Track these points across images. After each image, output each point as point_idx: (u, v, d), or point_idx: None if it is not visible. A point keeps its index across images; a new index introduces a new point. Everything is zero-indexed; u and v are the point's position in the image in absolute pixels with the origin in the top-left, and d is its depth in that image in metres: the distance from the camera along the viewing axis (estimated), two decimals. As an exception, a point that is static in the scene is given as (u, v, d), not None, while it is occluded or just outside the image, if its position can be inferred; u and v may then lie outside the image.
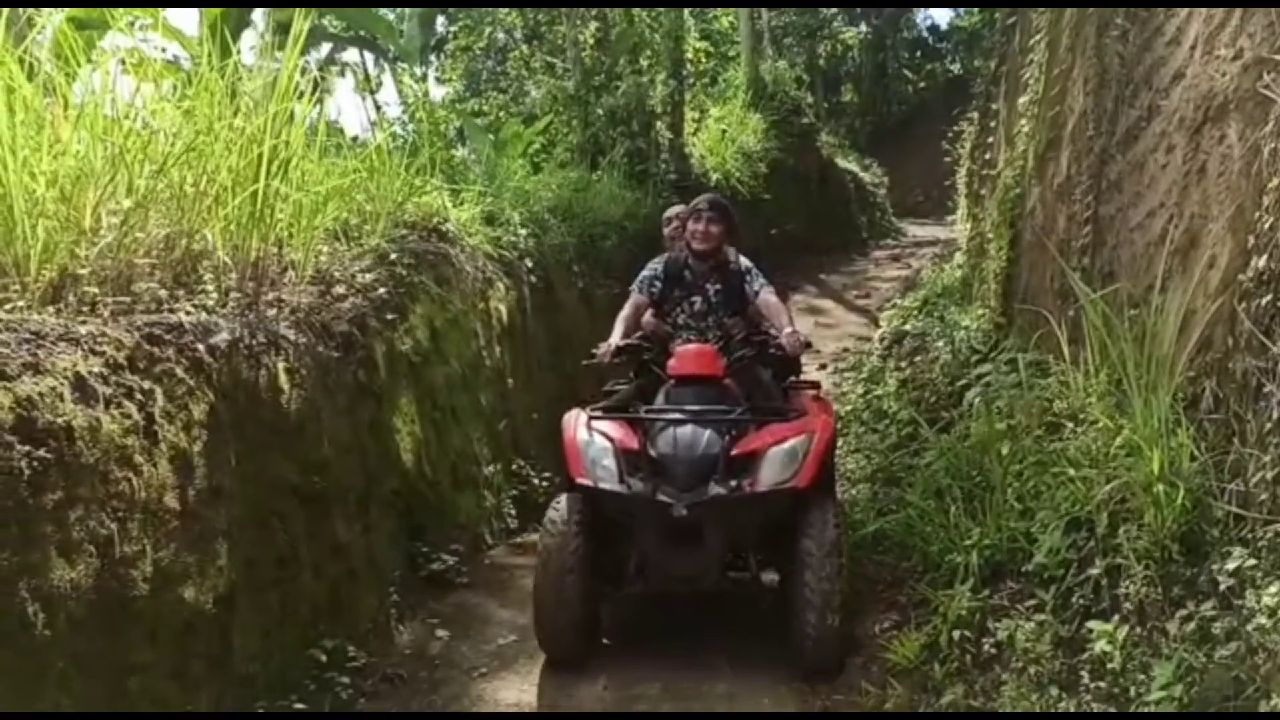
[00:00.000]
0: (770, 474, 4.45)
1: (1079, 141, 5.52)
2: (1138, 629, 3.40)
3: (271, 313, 4.53)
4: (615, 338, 5.05)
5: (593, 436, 4.64)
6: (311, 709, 4.02)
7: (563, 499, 4.67)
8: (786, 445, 4.51)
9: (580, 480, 4.58)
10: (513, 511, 6.57)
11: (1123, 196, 4.85)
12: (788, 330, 4.97)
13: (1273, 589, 2.96)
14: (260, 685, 3.89)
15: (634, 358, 5.16)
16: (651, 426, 4.62)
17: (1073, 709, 3.37)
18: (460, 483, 6.13)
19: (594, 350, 5.09)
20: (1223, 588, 3.16)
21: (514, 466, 6.86)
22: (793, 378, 5.63)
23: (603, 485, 4.50)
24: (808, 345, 5.14)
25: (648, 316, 5.40)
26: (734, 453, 4.48)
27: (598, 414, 4.82)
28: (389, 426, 5.39)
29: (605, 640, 4.88)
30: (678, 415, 4.61)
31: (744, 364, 5.02)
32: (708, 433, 4.50)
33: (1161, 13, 4.56)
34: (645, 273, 5.41)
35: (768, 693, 4.42)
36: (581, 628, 4.57)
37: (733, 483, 4.38)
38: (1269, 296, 3.27)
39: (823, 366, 9.97)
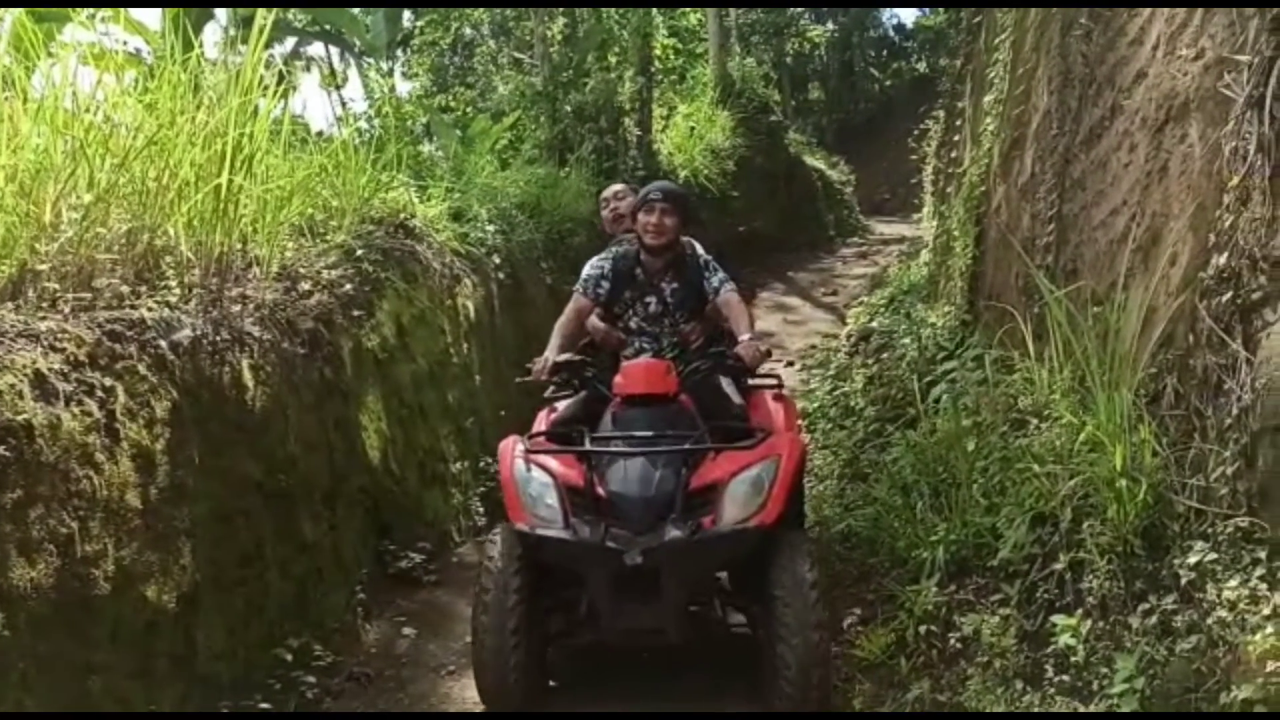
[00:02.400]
0: (732, 510, 3.89)
1: (1043, 140, 5.57)
2: (1101, 623, 3.44)
3: (236, 309, 4.48)
4: (552, 351, 4.46)
5: (532, 472, 4.04)
6: (277, 709, 3.99)
7: (502, 530, 4.14)
8: (750, 474, 3.94)
9: (519, 524, 3.99)
10: (481, 509, 6.55)
11: (1086, 195, 4.90)
12: (745, 337, 4.45)
13: (1233, 583, 3.01)
14: (225, 685, 3.86)
15: (575, 374, 4.56)
16: (599, 459, 4.03)
17: (1037, 702, 3.40)
18: (428, 480, 6.11)
19: (528, 365, 4.53)
20: (1184, 582, 3.21)
21: (482, 464, 6.84)
22: (750, 380, 4.97)
23: (544, 531, 3.91)
24: (767, 355, 4.59)
25: (595, 321, 4.86)
26: (692, 486, 3.95)
27: (537, 445, 4.25)
28: (356, 424, 5.36)
29: (553, 683, 4.39)
30: (626, 448, 4.04)
31: (701, 376, 4.49)
32: (662, 465, 3.95)
33: (1124, 13, 4.61)
34: (589, 271, 4.78)
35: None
36: (525, 677, 3.93)
37: (692, 523, 3.84)
38: (1229, 294, 3.32)
39: (790, 363, 10.00)
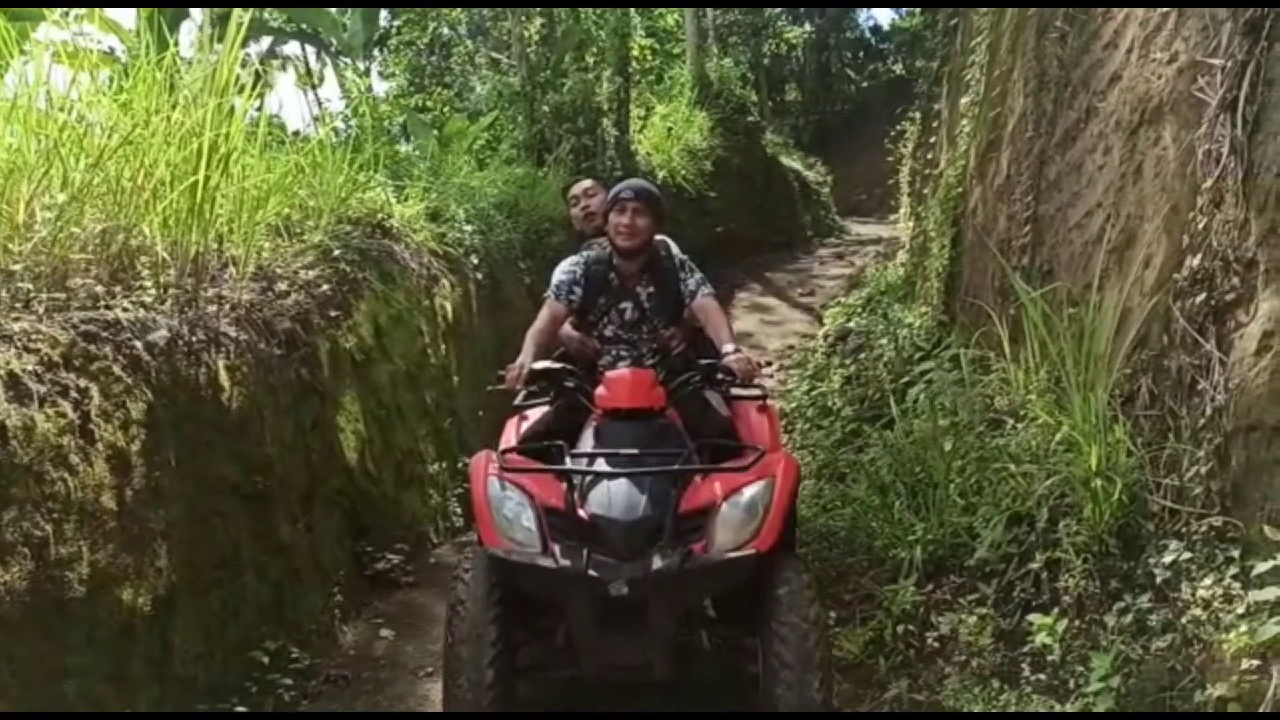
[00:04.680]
0: (726, 536, 3.56)
1: (1019, 142, 5.61)
2: (1077, 622, 3.48)
3: (212, 309, 4.45)
4: (526, 358, 4.12)
5: (507, 491, 3.70)
6: (253, 711, 3.97)
7: (474, 555, 3.79)
8: (744, 497, 3.62)
9: (493, 549, 3.63)
10: (458, 510, 6.52)
11: (1061, 196, 4.94)
12: (730, 348, 4.19)
13: (1207, 581, 3.05)
14: (201, 687, 3.83)
15: (553, 383, 4.22)
16: (580, 478, 3.70)
17: (1014, 701, 3.42)
18: (405, 481, 6.08)
19: (500, 373, 4.15)
20: (1159, 580, 3.25)
21: (460, 464, 6.81)
22: (733, 389, 4.49)
23: (520, 559, 3.55)
24: (760, 368, 4.32)
25: (568, 329, 4.58)
26: (681, 510, 3.63)
27: (513, 461, 3.88)
28: (333, 425, 5.33)
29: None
30: (610, 467, 3.70)
31: (690, 390, 4.18)
32: (649, 487, 3.61)
33: (1099, 16, 4.65)
34: (561, 276, 4.48)
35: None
36: (499, 707, 3.55)
37: (682, 550, 3.50)
38: (1202, 295, 3.36)
39: (768, 364, 10.02)
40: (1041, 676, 3.45)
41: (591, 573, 3.44)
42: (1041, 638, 3.47)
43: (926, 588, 4.25)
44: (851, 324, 9.52)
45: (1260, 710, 2.70)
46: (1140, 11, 4.19)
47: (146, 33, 4.82)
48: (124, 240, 4.20)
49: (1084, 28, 4.83)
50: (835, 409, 7.41)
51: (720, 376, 4.20)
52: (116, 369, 3.58)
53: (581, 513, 3.61)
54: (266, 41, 11.18)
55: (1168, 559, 3.21)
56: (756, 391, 4.44)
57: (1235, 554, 3.07)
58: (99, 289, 3.92)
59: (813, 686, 3.38)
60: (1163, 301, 3.65)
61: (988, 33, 6.78)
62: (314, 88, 12.32)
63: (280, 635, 4.36)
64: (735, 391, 4.41)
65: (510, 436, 4.34)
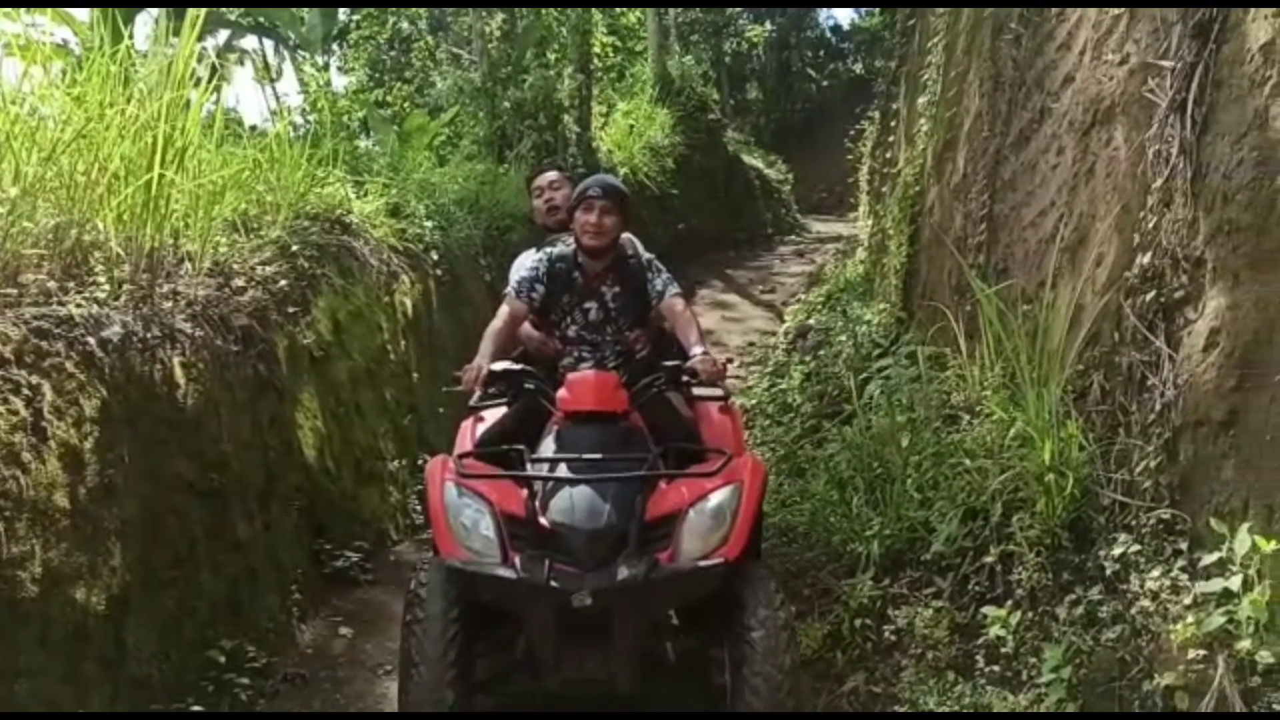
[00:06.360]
0: (692, 544, 3.46)
1: (975, 142, 5.68)
2: (1030, 614, 3.53)
3: (167, 305, 4.40)
4: (484, 358, 4.00)
5: (464, 498, 3.55)
6: (209, 711, 3.93)
7: (431, 565, 3.63)
8: (710, 504, 3.52)
9: (450, 559, 3.49)
10: (418, 507, 6.49)
11: (1016, 195, 5.00)
12: (698, 350, 4.08)
13: (1155, 573, 3.11)
14: (156, 687, 3.78)
15: (512, 385, 4.08)
16: (541, 485, 3.60)
17: (969, 693, 3.47)
18: (364, 478, 6.05)
19: (456, 374, 4.02)
20: (1109, 572, 3.31)
21: (420, 461, 6.78)
22: (695, 390, 4.40)
23: (479, 569, 3.41)
24: (725, 368, 4.18)
25: (529, 329, 4.45)
26: (646, 517, 3.51)
27: (470, 467, 3.72)
28: (291, 422, 5.29)
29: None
30: (572, 473, 3.59)
31: (655, 393, 4.05)
32: (613, 493, 3.50)
33: (1053, 18, 4.72)
34: (522, 273, 4.38)
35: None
36: None
37: (647, 559, 3.39)
38: (1152, 293, 3.42)
39: (729, 360, 10.05)
40: (996, 668, 3.51)
41: (553, 583, 3.31)
42: (995, 630, 3.52)
43: (884, 582, 4.29)
44: (811, 321, 9.58)
45: (1205, 698, 2.76)
46: (1093, 14, 4.25)
47: (100, 25, 4.75)
48: (77, 235, 4.14)
49: (1038, 29, 4.90)
50: (795, 405, 7.47)
51: (685, 379, 4.09)
52: (69, 366, 3.53)
53: (543, 520, 3.48)
54: (224, 35, 11.04)
55: (1117, 551, 3.27)
56: (718, 392, 4.34)
57: (1183, 546, 3.13)
58: (51, 285, 3.87)
59: (783, 698, 3.30)
60: (1114, 299, 3.71)
61: (944, 33, 6.85)
62: (272, 82, 12.16)
63: (237, 634, 4.32)
64: (697, 392, 4.31)
65: (466, 440, 4.20)
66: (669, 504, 3.56)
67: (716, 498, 3.54)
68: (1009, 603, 3.63)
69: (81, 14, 7.19)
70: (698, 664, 3.63)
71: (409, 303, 7.17)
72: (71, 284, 4.01)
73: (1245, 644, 2.72)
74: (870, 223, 10.65)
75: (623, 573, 3.33)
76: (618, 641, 3.37)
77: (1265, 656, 2.68)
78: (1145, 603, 3.08)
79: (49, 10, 5.53)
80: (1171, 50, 3.48)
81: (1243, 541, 2.78)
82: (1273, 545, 2.71)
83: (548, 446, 3.81)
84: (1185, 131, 3.31)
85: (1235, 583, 2.79)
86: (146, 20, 8.40)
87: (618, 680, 3.41)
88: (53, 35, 6.37)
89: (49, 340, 3.49)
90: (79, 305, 3.82)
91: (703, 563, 3.43)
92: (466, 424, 4.36)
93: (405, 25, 18.73)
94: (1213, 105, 3.23)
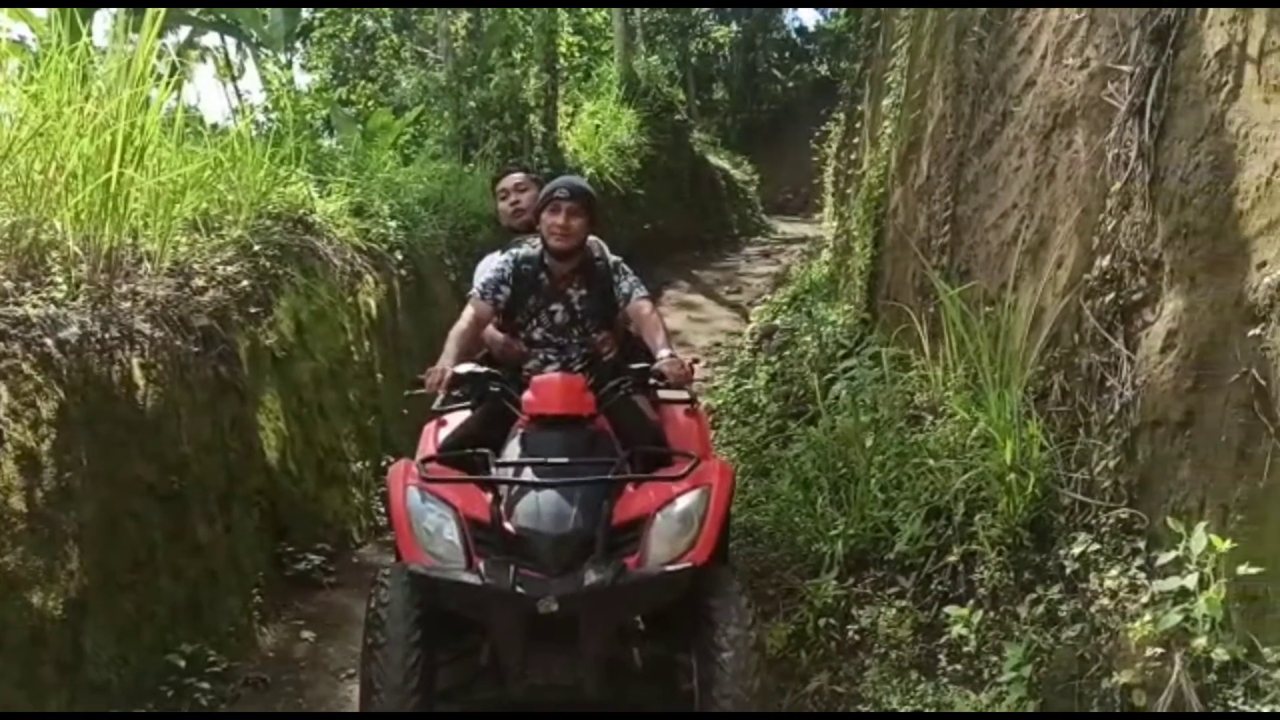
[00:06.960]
0: (660, 549, 3.43)
1: (938, 144, 5.72)
2: (991, 613, 3.57)
3: (126, 305, 4.35)
4: (448, 360, 3.93)
5: (427, 503, 3.51)
6: (167, 711, 3.89)
7: (393, 571, 3.55)
8: (678, 507, 3.49)
9: (414, 565, 3.42)
10: (382, 509, 6.45)
11: (979, 197, 5.04)
12: (665, 353, 4.02)
13: (1114, 572, 3.15)
14: (115, 692, 3.74)
15: (477, 388, 4.00)
16: (506, 489, 3.56)
17: (931, 692, 3.50)
18: (327, 480, 6.00)
19: (419, 377, 3.93)
20: (1068, 571, 3.34)
21: (384, 463, 6.74)
22: (660, 393, 4.32)
23: (442, 575, 3.36)
24: (693, 370, 4.12)
25: (493, 332, 4.40)
26: (613, 522, 3.48)
27: (434, 471, 3.68)
28: (252, 423, 5.23)
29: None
30: (538, 477, 3.55)
31: (621, 396, 3.99)
32: (579, 498, 3.46)
33: (1015, 22, 4.76)
34: (488, 274, 4.32)
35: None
36: None
37: (615, 564, 3.36)
38: (1111, 295, 3.46)
39: (696, 361, 10.07)
40: (958, 667, 3.54)
41: (519, 589, 3.26)
42: (958, 629, 3.55)
43: (848, 581, 4.31)
44: (777, 321, 9.61)
45: (1162, 695, 2.79)
46: (1054, 18, 4.29)
47: (58, 22, 4.68)
48: (34, 235, 4.09)
49: (1000, 33, 4.94)
50: (761, 405, 7.48)
51: (652, 382, 4.03)
52: (26, 367, 3.49)
53: (508, 525, 3.44)
54: (185, 32, 10.92)
55: (1077, 550, 3.31)
56: (685, 395, 4.32)
57: (1141, 545, 3.18)
58: (8, 285, 3.82)
59: (750, 703, 3.25)
60: (1074, 301, 3.75)
61: (908, 36, 6.89)
62: (234, 80, 12.07)
63: (197, 638, 4.27)
64: (663, 395, 4.28)
65: (429, 444, 4.15)
66: (636, 508, 3.53)
67: (684, 502, 3.51)
68: (971, 602, 3.66)
69: (39, 11, 7.09)
70: (665, 669, 3.59)
71: (373, 303, 7.12)
72: (28, 284, 3.96)
73: (1201, 642, 2.76)
74: (835, 224, 10.70)
75: (590, 578, 3.29)
76: (584, 647, 3.33)
77: (1220, 654, 2.72)
78: (1104, 601, 3.12)
79: (5, 8, 5.44)
80: (1130, 55, 3.52)
81: (1199, 540, 2.82)
82: (1228, 544, 2.75)
83: (513, 450, 3.75)
84: (1144, 135, 3.35)
85: (1191, 581, 2.84)
86: (105, 17, 8.29)
87: (584, 686, 3.36)
88: (9, 32, 6.29)
89: (5, 341, 3.44)
90: (36, 306, 3.78)
91: (670, 567, 3.40)
92: (429, 428, 4.31)
93: (370, 23, 18.60)
94: (1170, 110, 3.28)
